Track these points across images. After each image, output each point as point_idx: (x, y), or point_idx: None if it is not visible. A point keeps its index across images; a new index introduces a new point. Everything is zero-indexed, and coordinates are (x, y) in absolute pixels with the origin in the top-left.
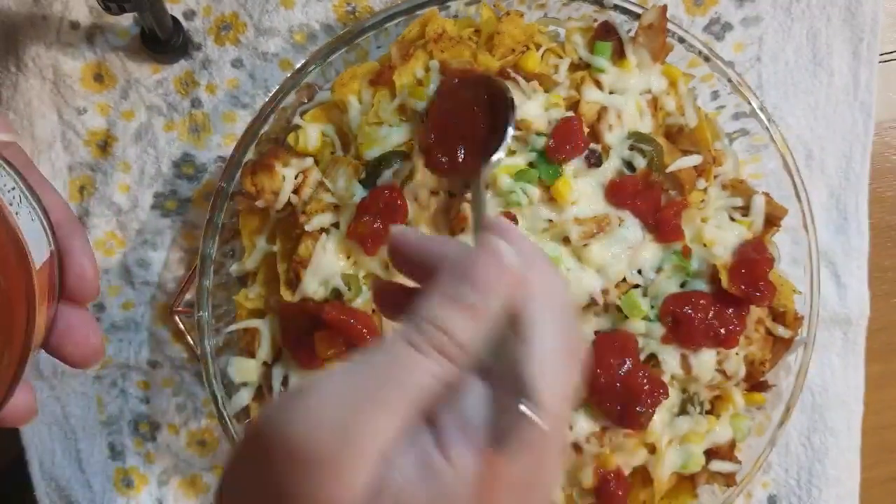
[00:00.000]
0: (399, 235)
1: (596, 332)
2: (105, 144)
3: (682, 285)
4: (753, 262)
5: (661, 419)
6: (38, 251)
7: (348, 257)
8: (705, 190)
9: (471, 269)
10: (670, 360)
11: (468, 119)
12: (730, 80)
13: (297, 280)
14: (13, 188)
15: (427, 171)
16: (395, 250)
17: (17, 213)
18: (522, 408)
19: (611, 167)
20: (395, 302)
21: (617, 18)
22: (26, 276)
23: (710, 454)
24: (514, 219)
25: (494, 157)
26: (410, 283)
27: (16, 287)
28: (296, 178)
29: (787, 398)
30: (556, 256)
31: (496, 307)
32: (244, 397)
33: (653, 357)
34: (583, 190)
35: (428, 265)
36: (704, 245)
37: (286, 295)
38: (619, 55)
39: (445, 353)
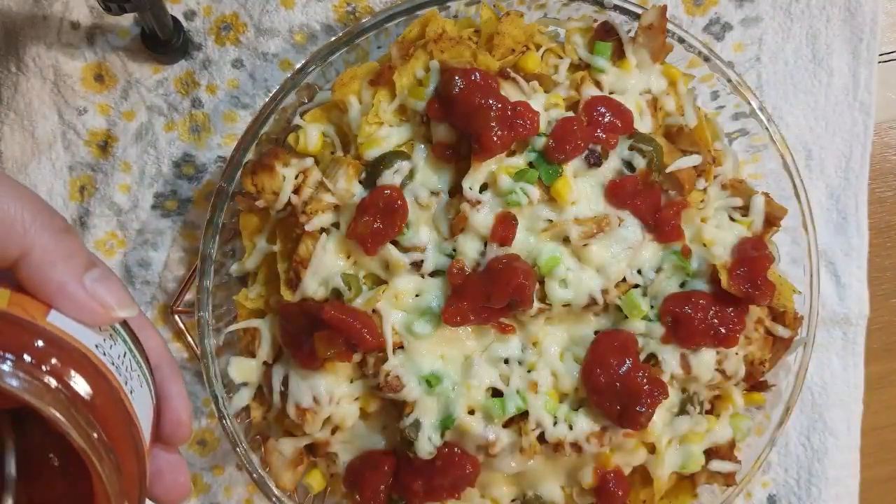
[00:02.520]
0: None
1: (596, 332)
2: (105, 144)
3: (682, 285)
4: (753, 260)
5: (660, 419)
6: (147, 423)
7: (348, 257)
8: (705, 190)
9: None
10: (670, 359)
11: None
12: (729, 81)
13: (297, 280)
14: (124, 354)
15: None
16: None
17: (131, 392)
18: None
19: (611, 167)
20: None
21: (617, 19)
22: (140, 462)
23: (710, 454)
24: (513, 219)
25: None
26: None
27: (129, 471)
28: (296, 178)
29: (787, 398)
30: (556, 256)
31: None
32: (244, 397)
33: (653, 357)
34: (583, 190)
35: None
36: (704, 245)
37: (286, 295)
38: (618, 55)
39: None
